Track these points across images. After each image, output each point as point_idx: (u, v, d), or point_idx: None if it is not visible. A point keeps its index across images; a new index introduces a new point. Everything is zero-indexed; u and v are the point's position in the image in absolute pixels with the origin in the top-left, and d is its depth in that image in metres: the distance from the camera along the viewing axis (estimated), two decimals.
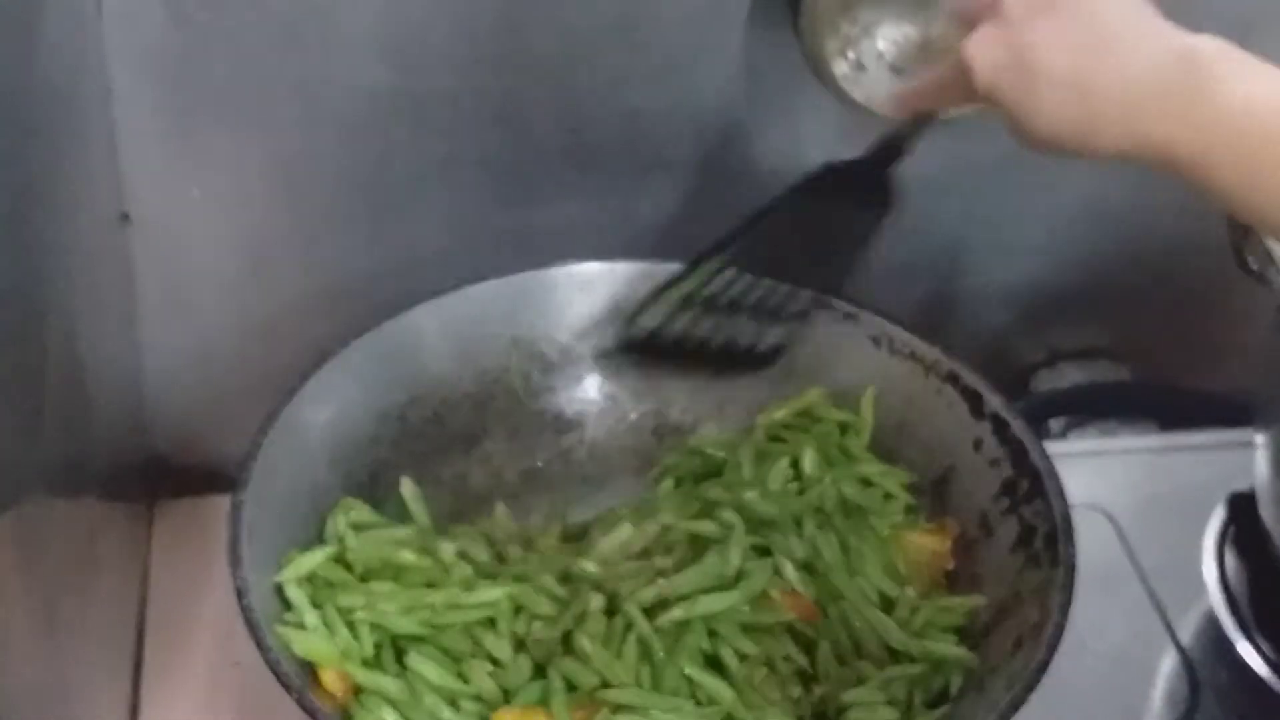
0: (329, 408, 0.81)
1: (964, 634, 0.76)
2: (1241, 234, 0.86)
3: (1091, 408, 1.06)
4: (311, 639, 0.72)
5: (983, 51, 0.64)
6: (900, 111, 0.77)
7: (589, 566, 0.77)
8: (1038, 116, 0.63)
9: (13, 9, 0.63)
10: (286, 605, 0.74)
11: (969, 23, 0.66)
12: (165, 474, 0.97)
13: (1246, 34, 0.96)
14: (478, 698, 0.73)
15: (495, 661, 0.74)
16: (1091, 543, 0.76)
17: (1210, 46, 0.61)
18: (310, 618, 0.73)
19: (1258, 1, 0.95)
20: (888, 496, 0.83)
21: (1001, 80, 0.63)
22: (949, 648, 0.75)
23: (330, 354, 0.81)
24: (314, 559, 0.75)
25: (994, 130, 0.94)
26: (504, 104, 0.89)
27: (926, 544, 0.81)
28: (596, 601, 0.75)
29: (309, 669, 0.71)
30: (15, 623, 0.58)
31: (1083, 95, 0.61)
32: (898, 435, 0.85)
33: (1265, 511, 0.86)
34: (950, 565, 0.80)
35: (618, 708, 0.71)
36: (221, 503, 0.74)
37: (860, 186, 0.81)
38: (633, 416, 0.91)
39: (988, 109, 0.67)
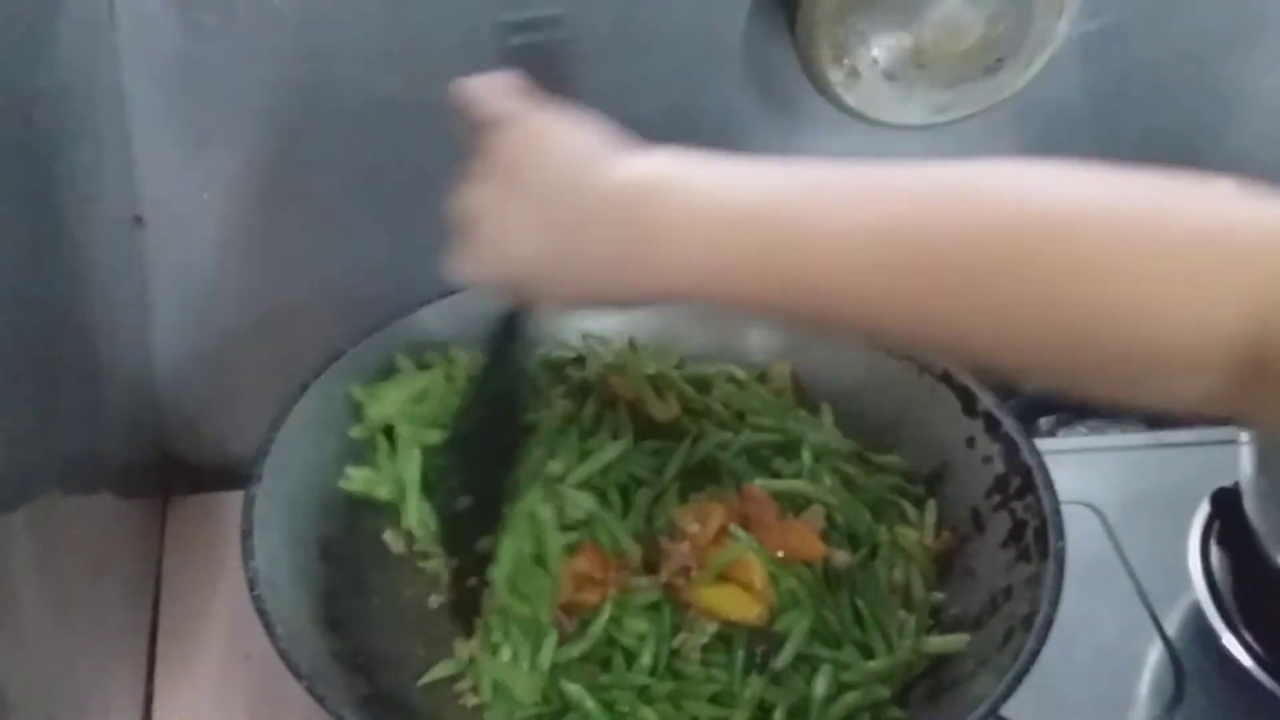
0: (340, 404, 0.82)
1: (956, 626, 0.78)
2: None
3: (1080, 406, 1.07)
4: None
5: (468, 269, 0.65)
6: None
7: None
8: (544, 293, 0.64)
9: (28, 16, 0.64)
10: None
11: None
12: (178, 470, 0.98)
13: (1247, 34, 0.97)
14: None
15: None
16: (1080, 537, 0.77)
17: (649, 164, 0.61)
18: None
19: (1254, 4, 0.96)
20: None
21: (496, 283, 0.65)
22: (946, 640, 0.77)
23: (340, 353, 0.83)
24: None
25: (986, 135, 0.96)
26: None
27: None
28: None
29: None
30: (30, 617, 0.59)
31: (562, 266, 0.62)
32: (893, 433, 0.87)
33: (1250, 506, 0.87)
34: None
35: None
36: (233, 498, 0.76)
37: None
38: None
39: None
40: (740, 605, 0.76)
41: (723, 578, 0.76)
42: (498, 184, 0.64)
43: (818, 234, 0.57)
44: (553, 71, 0.73)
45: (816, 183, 0.59)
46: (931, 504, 0.84)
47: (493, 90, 0.66)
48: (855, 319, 0.58)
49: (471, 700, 0.76)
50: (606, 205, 0.61)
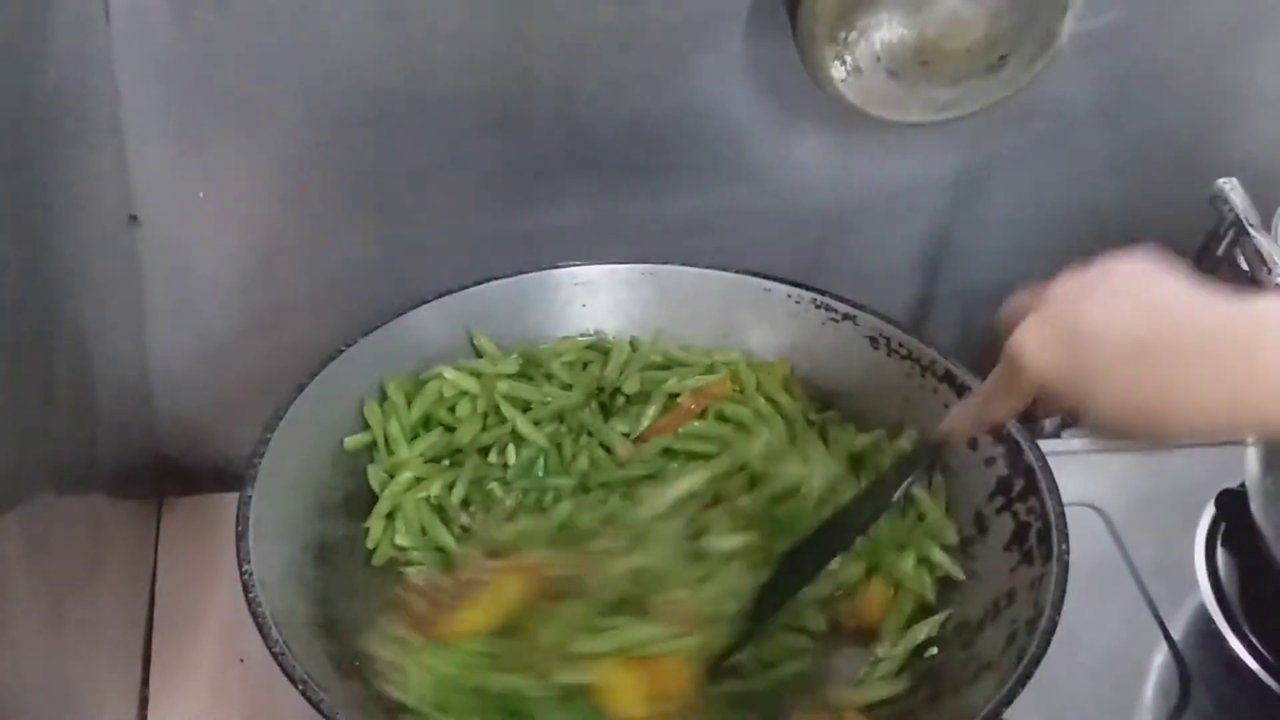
0: (335, 406, 0.82)
1: (959, 629, 0.77)
2: (1232, 235, 0.87)
3: None
4: None
5: (1030, 339, 0.60)
6: (963, 436, 0.72)
7: None
8: (1102, 398, 0.58)
9: (21, 14, 0.64)
10: None
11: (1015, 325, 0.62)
12: (172, 472, 0.97)
13: (1253, 30, 0.97)
14: None
15: None
16: (1084, 540, 0.77)
17: (1264, 303, 0.58)
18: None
19: (1258, 1, 0.96)
20: None
21: (1055, 364, 0.59)
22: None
23: (335, 353, 0.82)
24: None
25: (989, 133, 0.96)
26: (506, 107, 0.90)
27: None
28: None
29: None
30: (24, 619, 0.58)
31: (1140, 368, 0.57)
32: (894, 433, 0.86)
33: (1256, 508, 0.87)
34: None
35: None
36: (228, 500, 0.75)
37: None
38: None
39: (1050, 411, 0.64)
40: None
41: None
42: (1093, 293, 0.60)
43: None
44: None
45: None
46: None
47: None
48: None
49: None
50: (1209, 316, 0.57)
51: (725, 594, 0.75)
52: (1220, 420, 0.56)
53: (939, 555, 0.80)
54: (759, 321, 0.90)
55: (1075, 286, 0.60)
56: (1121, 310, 0.58)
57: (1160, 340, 0.57)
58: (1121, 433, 0.59)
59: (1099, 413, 0.59)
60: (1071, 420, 0.61)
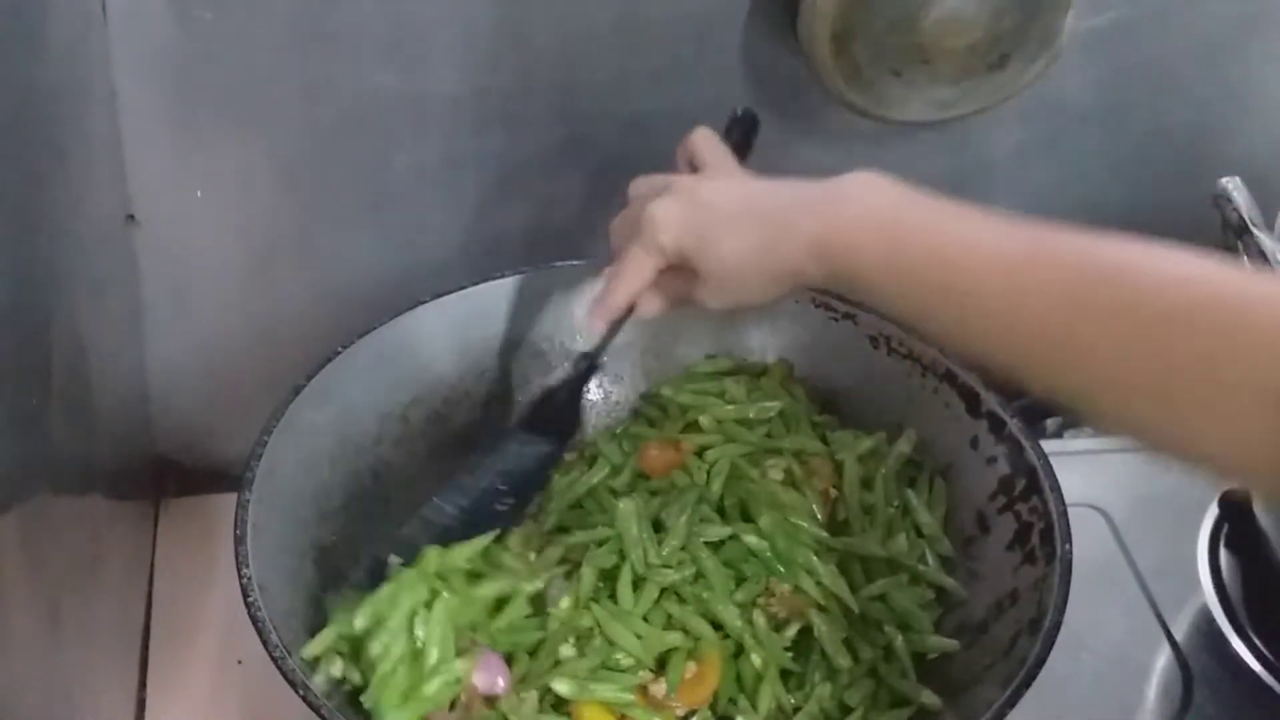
0: (332, 408, 0.81)
1: (961, 629, 0.77)
2: (1235, 234, 0.87)
3: None
4: None
5: (664, 206, 0.73)
6: (596, 325, 0.79)
7: None
8: (721, 248, 0.71)
9: (18, 13, 0.64)
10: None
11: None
12: (170, 473, 0.97)
13: (1242, 38, 0.97)
14: None
15: None
16: (1087, 541, 0.77)
17: (849, 174, 0.69)
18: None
19: (1258, 1, 0.96)
20: None
21: (687, 229, 0.72)
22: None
23: (333, 354, 0.82)
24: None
25: (989, 132, 0.95)
26: (505, 105, 0.89)
27: None
28: None
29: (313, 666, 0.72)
30: (22, 621, 0.58)
31: (749, 223, 0.70)
32: (895, 433, 0.85)
33: (1259, 510, 0.87)
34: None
35: None
36: (226, 501, 0.75)
37: (558, 413, 0.83)
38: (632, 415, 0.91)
39: (677, 299, 0.75)
40: None
41: None
42: (686, 202, 0.73)
43: (968, 243, 0.64)
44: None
45: (991, 224, 0.65)
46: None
47: (707, 140, 0.79)
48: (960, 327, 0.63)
49: None
50: (806, 184, 0.69)
51: None
52: (814, 267, 0.67)
53: (934, 574, 0.80)
54: (758, 321, 0.90)
55: (687, 181, 0.75)
56: (735, 188, 0.74)
57: (765, 202, 0.71)
58: (730, 283, 0.72)
59: (716, 263, 0.71)
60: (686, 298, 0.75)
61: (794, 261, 0.68)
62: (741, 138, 0.83)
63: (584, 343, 0.85)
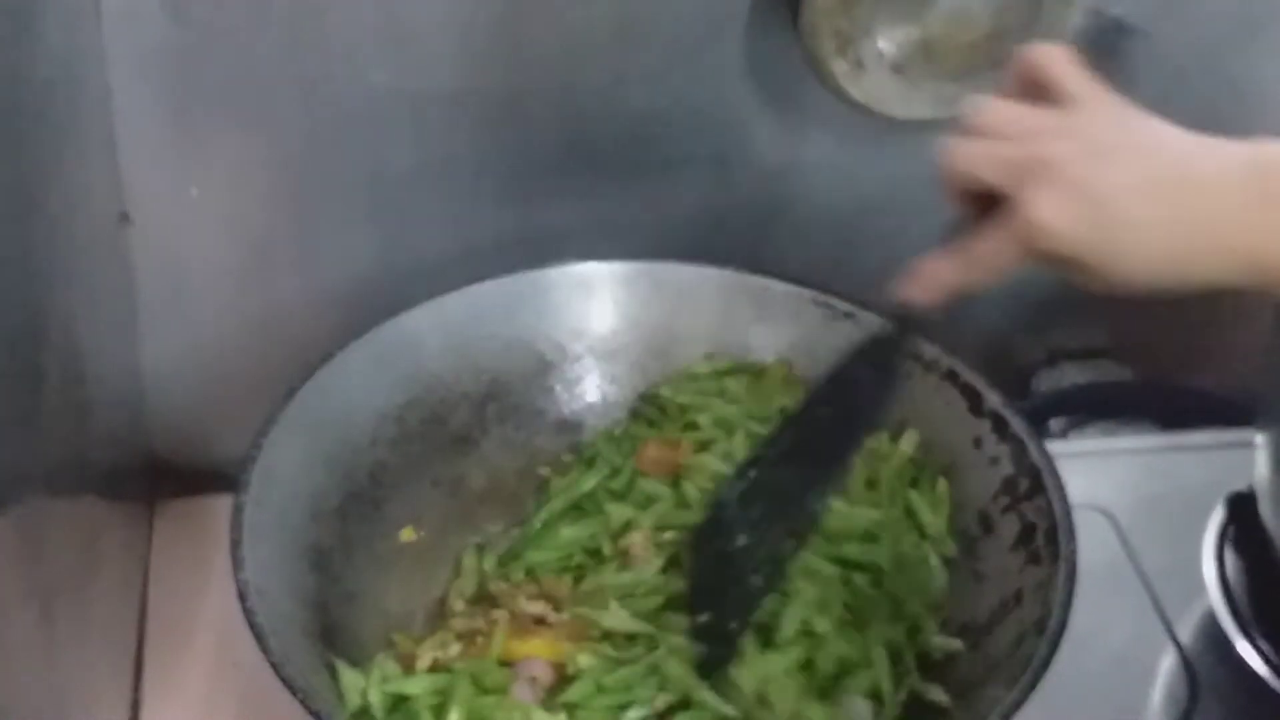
0: (328, 409, 0.81)
1: (965, 630, 0.77)
2: None
3: (1092, 407, 1.06)
4: None
5: (1052, 209, 0.58)
6: (933, 297, 0.66)
7: None
8: (1125, 260, 0.58)
9: (11, 8, 0.63)
10: None
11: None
12: (165, 474, 0.96)
13: (1247, 34, 0.97)
14: None
15: None
16: (1092, 542, 0.76)
17: (1271, 151, 0.58)
18: None
19: (1258, 1, 0.95)
20: None
21: (1080, 234, 0.58)
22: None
23: (330, 355, 0.81)
24: None
25: None
26: (504, 104, 0.89)
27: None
28: None
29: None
30: (15, 623, 0.58)
31: (1169, 227, 0.57)
32: (896, 434, 0.85)
33: (1265, 511, 0.86)
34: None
35: None
36: (222, 502, 0.74)
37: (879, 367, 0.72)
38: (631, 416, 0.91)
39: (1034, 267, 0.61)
40: None
41: None
42: (1079, 199, 0.58)
43: None
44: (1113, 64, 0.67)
45: None
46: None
47: (1064, 62, 0.63)
48: None
49: None
50: (1224, 171, 0.57)
51: None
52: (1244, 277, 0.57)
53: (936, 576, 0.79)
54: (758, 320, 0.90)
55: (1068, 148, 0.59)
56: (1141, 177, 0.58)
57: (1182, 209, 0.57)
58: (1137, 289, 0.58)
59: (1117, 273, 0.58)
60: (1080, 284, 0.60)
61: (1220, 277, 0.58)
62: (1110, 52, 0.69)
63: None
